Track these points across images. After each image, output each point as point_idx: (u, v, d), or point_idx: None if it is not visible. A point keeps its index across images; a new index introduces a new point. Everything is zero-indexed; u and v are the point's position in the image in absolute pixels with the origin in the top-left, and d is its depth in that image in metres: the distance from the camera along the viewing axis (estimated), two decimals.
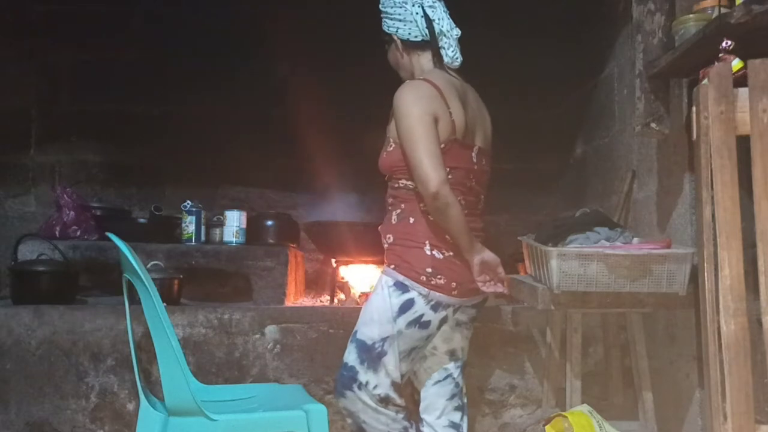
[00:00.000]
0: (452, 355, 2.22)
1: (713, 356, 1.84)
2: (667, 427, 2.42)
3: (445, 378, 2.21)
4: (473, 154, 2.12)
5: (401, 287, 2.05)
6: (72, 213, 3.31)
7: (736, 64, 1.91)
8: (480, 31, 3.61)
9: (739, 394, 1.78)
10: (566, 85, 3.58)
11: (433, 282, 2.04)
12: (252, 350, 2.70)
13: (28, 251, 3.03)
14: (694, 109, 1.94)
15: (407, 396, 2.20)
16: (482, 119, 2.20)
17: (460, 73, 2.19)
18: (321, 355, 2.69)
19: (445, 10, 2.16)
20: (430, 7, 2.13)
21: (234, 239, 3.30)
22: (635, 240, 2.33)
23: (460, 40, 2.18)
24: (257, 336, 2.71)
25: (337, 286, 3.41)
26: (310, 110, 3.55)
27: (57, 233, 3.24)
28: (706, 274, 1.87)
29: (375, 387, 2.07)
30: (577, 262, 2.15)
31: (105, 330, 2.65)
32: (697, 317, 2.02)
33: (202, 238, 3.33)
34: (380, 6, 2.19)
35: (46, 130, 3.80)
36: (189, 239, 3.28)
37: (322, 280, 3.72)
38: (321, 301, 3.56)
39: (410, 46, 2.16)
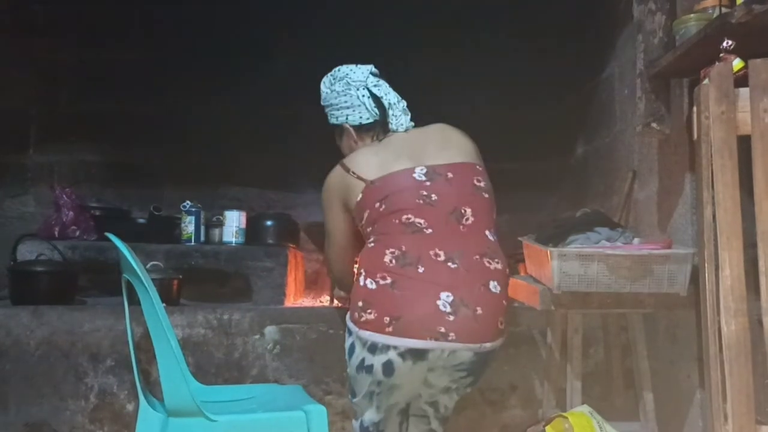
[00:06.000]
0: (433, 405, 2.01)
1: (714, 357, 1.83)
2: (668, 428, 2.42)
3: (422, 416, 2.03)
4: (415, 174, 1.95)
5: (348, 329, 1.93)
6: (71, 213, 3.30)
7: (737, 63, 1.91)
8: (481, 32, 3.65)
9: (739, 394, 1.78)
10: (567, 85, 3.57)
11: (363, 318, 1.83)
12: (251, 351, 2.70)
13: (27, 251, 3.03)
14: (695, 109, 1.94)
15: None
16: (441, 140, 2.06)
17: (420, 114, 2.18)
18: (320, 355, 2.68)
19: (388, 84, 2.16)
20: (375, 86, 2.13)
21: (233, 239, 3.30)
22: (636, 240, 2.32)
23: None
24: (257, 336, 2.70)
25: None
26: (310, 110, 3.54)
27: (56, 233, 3.24)
28: (706, 274, 1.87)
29: (358, 422, 2.00)
30: (577, 263, 2.14)
31: (104, 330, 2.65)
32: (698, 318, 2.02)
33: (202, 238, 3.32)
34: (322, 103, 2.19)
35: (45, 130, 3.80)
36: (188, 239, 3.28)
37: (322, 281, 3.71)
38: (321, 302, 3.55)
39: (364, 130, 2.15)
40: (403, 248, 1.87)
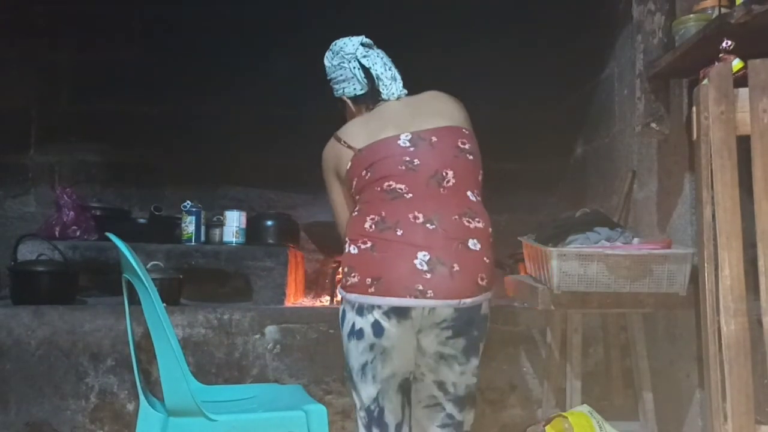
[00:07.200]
0: (441, 386, 1.95)
1: (713, 356, 1.83)
2: (668, 427, 2.42)
3: (435, 405, 1.97)
4: (400, 141, 1.97)
5: (341, 298, 1.97)
6: (71, 213, 3.31)
7: (737, 64, 1.91)
8: (481, 32, 3.65)
9: (739, 394, 1.78)
10: (566, 85, 3.58)
11: (348, 282, 1.90)
12: (252, 350, 2.70)
13: (27, 251, 3.03)
14: (694, 109, 1.94)
15: None
16: (430, 107, 2.07)
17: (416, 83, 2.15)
18: (321, 355, 2.68)
19: (379, 54, 2.14)
20: (364, 56, 2.12)
21: (234, 239, 3.30)
22: (635, 240, 2.32)
23: (404, 63, 2.16)
24: (257, 336, 2.71)
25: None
26: (310, 110, 3.55)
27: (57, 233, 3.25)
28: (706, 274, 1.87)
29: (359, 409, 1.96)
30: (577, 263, 2.14)
31: (105, 330, 2.65)
32: (698, 317, 2.02)
33: (202, 238, 3.33)
34: (327, 78, 2.20)
35: (45, 130, 3.81)
36: (189, 239, 3.28)
37: (322, 280, 3.71)
38: (321, 302, 3.56)
39: (360, 101, 2.14)
40: (383, 214, 1.92)
